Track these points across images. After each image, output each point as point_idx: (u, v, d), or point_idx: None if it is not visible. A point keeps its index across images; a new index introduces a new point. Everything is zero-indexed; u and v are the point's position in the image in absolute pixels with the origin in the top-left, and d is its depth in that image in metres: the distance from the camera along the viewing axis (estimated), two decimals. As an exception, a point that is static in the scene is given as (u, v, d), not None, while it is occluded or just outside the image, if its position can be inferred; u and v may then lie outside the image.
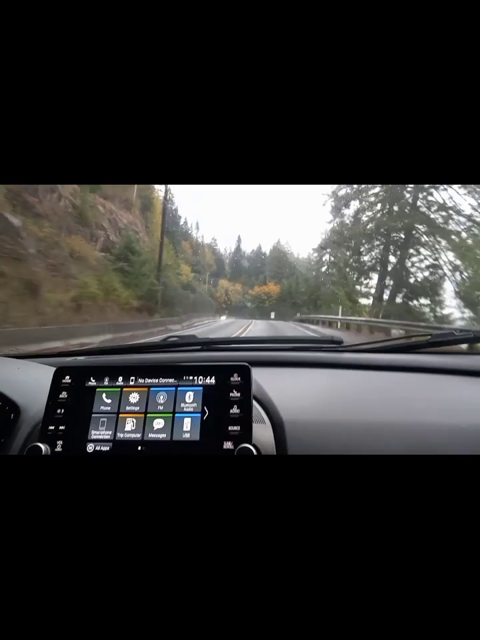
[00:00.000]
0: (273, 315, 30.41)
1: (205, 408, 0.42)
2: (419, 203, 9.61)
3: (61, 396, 0.44)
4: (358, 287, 12.17)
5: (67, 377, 0.45)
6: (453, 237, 8.04)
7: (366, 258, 11.39)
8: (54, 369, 0.48)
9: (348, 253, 12.30)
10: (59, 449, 0.40)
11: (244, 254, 56.77)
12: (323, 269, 20.79)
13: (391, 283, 10.14)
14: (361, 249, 11.86)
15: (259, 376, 0.43)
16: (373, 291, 11.61)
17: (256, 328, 10.38)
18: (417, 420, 0.44)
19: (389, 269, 10.93)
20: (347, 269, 12.54)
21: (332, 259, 16.79)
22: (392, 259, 10.54)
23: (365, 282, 11.69)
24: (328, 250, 17.39)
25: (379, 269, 11.33)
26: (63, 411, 0.43)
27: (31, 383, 0.54)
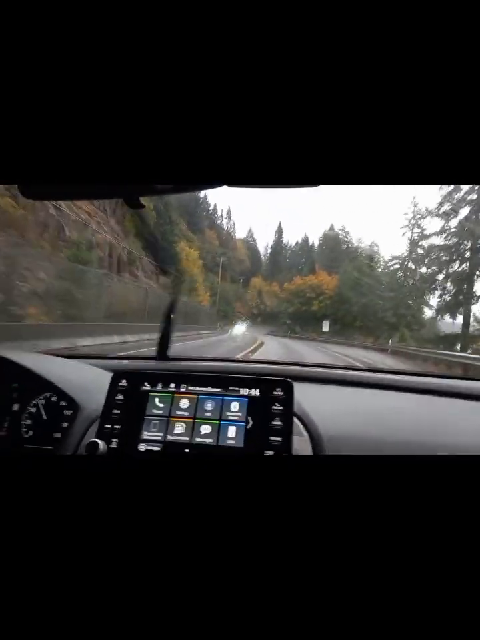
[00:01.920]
0: (325, 327, 20.91)
1: (249, 418, 0.53)
2: None
3: (117, 397, 0.56)
4: None
5: (124, 381, 0.58)
6: None
7: None
8: (107, 371, 0.63)
9: None
10: (114, 445, 0.51)
11: (286, 246, 53.80)
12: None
13: None
14: None
15: (299, 390, 0.54)
16: None
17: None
18: (452, 442, 0.57)
19: None
20: None
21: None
22: None
23: None
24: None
25: None
26: (118, 411, 0.55)
27: (88, 384, 0.70)
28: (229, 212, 59.38)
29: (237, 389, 0.57)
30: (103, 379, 0.61)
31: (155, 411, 0.57)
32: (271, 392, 0.56)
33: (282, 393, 0.55)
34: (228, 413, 0.56)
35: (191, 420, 0.56)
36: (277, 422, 0.54)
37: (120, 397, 0.58)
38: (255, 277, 43.65)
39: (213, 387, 0.58)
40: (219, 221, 45.45)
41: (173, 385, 0.58)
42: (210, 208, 42.63)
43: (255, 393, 0.56)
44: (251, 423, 0.54)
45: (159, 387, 0.59)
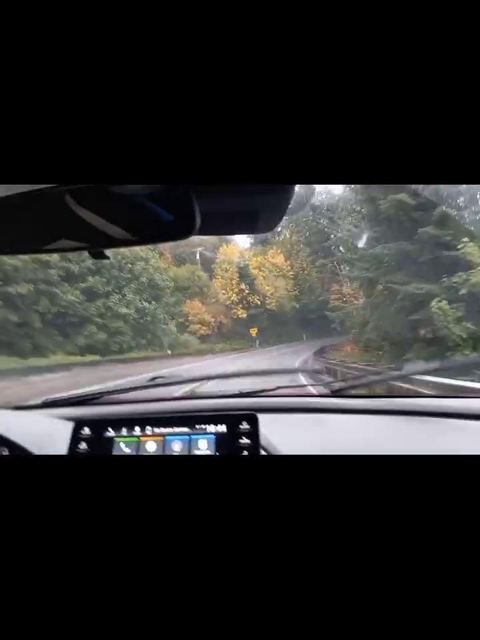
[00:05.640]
0: None
1: (218, 454, 0.77)
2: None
3: (80, 446, 0.78)
4: None
5: (86, 429, 0.80)
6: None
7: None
8: (69, 420, 0.91)
9: None
10: None
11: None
12: None
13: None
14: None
15: (265, 421, 0.81)
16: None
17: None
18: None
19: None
20: None
21: None
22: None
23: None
24: None
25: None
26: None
27: (48, 436, 0.96)
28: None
29: (204, 426, 0.79)
30: (64, 428, 0.85)
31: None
32: (237, 426, 0.78)
33: (248, 427, 0.78)
34: (196, 451, 0.78)
35: None
36: (245, 455, 0.76)
37: (83, 445, 0.78)
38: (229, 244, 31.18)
39: (179, 427, 0.80)
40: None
41: (138, 429, 0.81)
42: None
43: (222, 428, 0.79)
44: None
45: (124, 431, 0.81)
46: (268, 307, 28.11)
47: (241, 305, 27.77)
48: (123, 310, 17.62)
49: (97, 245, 0.53)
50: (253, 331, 25.75)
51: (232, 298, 27.75)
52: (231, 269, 28.71)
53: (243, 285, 28.29)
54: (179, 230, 0.48)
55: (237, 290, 28.13)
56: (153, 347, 19.07)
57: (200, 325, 24.83)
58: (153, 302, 19.61)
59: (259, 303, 28.03)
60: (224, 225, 0.55)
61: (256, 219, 0.51)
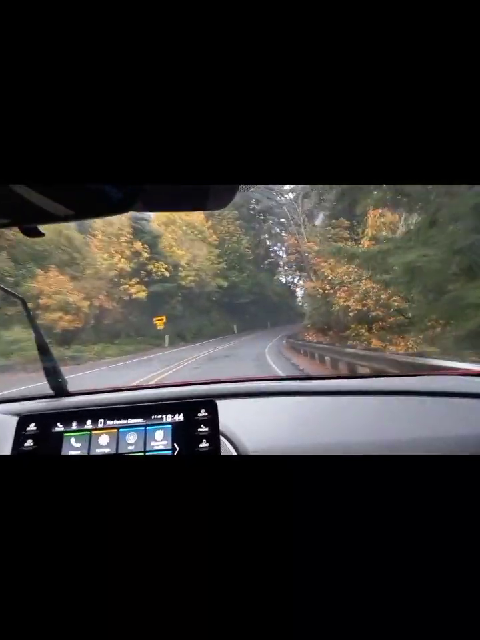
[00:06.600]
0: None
1: (175, 445, 0.82)
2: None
3: (26, 444, 0.80)
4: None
5: (32, 425, 0.81)
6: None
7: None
8: (14, 416, 0.94)
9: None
10: None
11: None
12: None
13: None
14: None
15: (223, 407, 0.91)
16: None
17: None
18: (377, 439, 1.02)
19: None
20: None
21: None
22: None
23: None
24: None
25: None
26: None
27: None
28: None
29: (160, 416, 0.82)
30: (9, 425, 0.84)
31: (71, 453, 0.79)
32: (196, 414, 0.83)
33: (206, 414, 0.82)
34: (152, 443, 0.81)
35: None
36: (204, 444, 0.80)
37: (29, 443, 0.79)
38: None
39: (133, 418, 0.82)
40: None
41: (89, 422, 0.80)
42: None
43: (179, 418, 0.83)
44: (177, 449, 0.81)
45: (74, 425, 0.79)
46: (182, 283, 19.65)
47: (136, 278, 18.58)
48: None
49: (32, 220, 0.51)
50: (159, 322, 17.70)
51: (120, 265, 18.23)
52: (118, 221, 18.68)
53: (140, 243, 18.76)
54: (119, 203, 0.47)
55: (128, 253, 18.56)
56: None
57: (61, 314, 15.70)
58: None
59: (167, 274, 19.28)
60: (171, 201, 0.53)
61: (206, 194, 0.48)
